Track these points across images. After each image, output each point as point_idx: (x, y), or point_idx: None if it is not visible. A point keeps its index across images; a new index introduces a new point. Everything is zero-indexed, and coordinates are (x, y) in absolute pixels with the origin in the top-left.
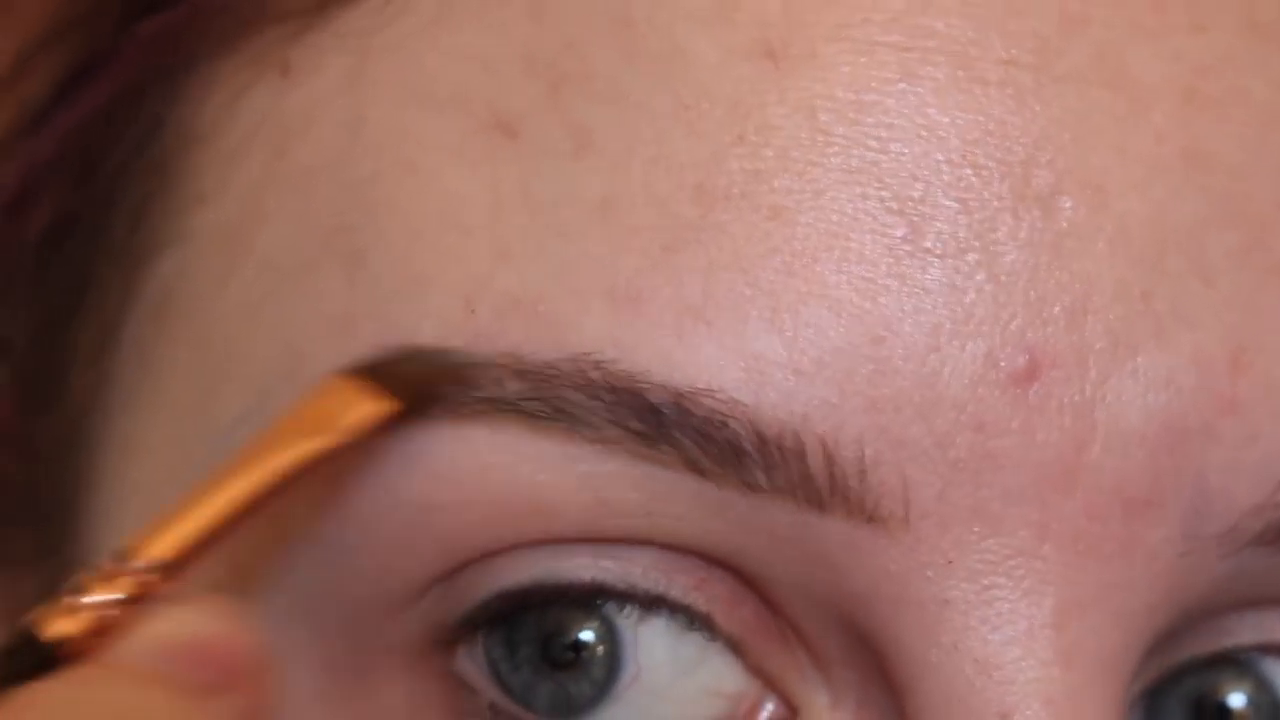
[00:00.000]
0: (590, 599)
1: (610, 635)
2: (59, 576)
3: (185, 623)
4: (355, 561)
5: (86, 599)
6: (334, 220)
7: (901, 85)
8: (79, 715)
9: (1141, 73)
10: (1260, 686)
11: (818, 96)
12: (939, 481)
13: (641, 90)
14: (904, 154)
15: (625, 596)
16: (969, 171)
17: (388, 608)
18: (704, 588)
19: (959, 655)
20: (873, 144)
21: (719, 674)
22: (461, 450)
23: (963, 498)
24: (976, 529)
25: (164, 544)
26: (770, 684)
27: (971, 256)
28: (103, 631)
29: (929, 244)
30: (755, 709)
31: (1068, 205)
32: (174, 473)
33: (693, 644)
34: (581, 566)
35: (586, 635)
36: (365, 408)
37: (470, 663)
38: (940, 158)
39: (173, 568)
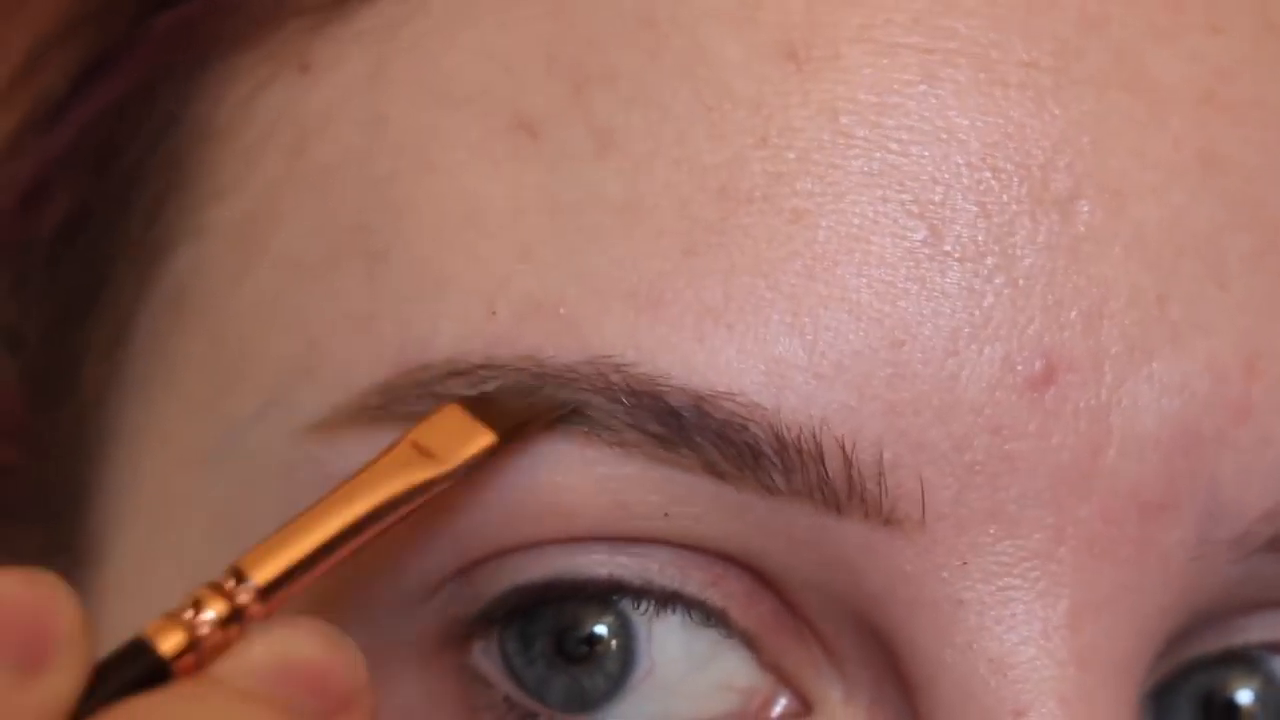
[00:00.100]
0: (606, 594)
1: (625, 630)
2: (69, 572)
3: (295, 644)
4: (374, 562)
5: (201, 615)
6: (354, 219)
7: (923, 87)
8: None
9: (1160, 75)
10: (1268, 683)
11: (840, 99)
12: (955, 484)
13: (664, 91)
14: (924, 157)
15: (641, 592)
16: (988, 175)
17: (404, 604)
18: (720, 584)
19: (974, 654)
20: (894, 147)
21: (732, 669)
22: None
23: (979, 500)
24: (992, 531)
25: (277, 565)
26: (784, 680)
27: (990, 260)
28: (216, 647)
29: (948, 247)
30: (768, 704)
31: (1085, 209)
32: (186, 466)
33: (707, 639)
34: (598, 563)
35: (601, 629)
36: (475, 440)
37: (485, 657)
38: (960, 161)
39: (282, 588)
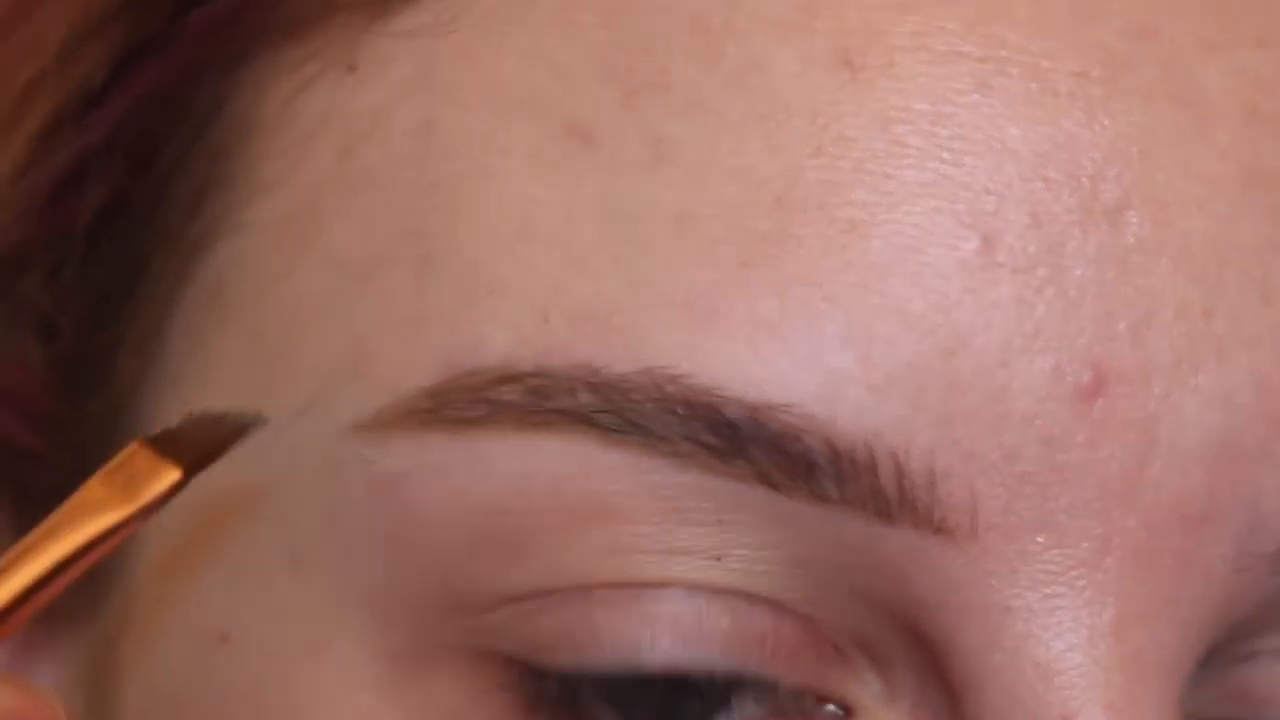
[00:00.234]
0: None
1: None
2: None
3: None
4: (423, 562)
5: None
6: (403, 222)
7: (975, 96)
8: None
9: (1206, 87)
10: None
11: (894, 108)
12: (1005, 494)
13: (719, 100)
14: (977, 167)
15: (703, 686)
16: (1040, 185)
17: (455, 608)
18: (770, 641)
19: (1021, 660)
20: (947, 157)
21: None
22: (532, 460)
23: (1028, 510)
24: (1040, 539)
25: None
26: (822, 698)
27: (1041, 271)
28: None
29: (1000, 258)
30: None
31: (1134, 220)
32: (221, 460)
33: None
34: (661, 651)
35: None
36: (162, 477)
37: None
38: (1013, 171)
39: None
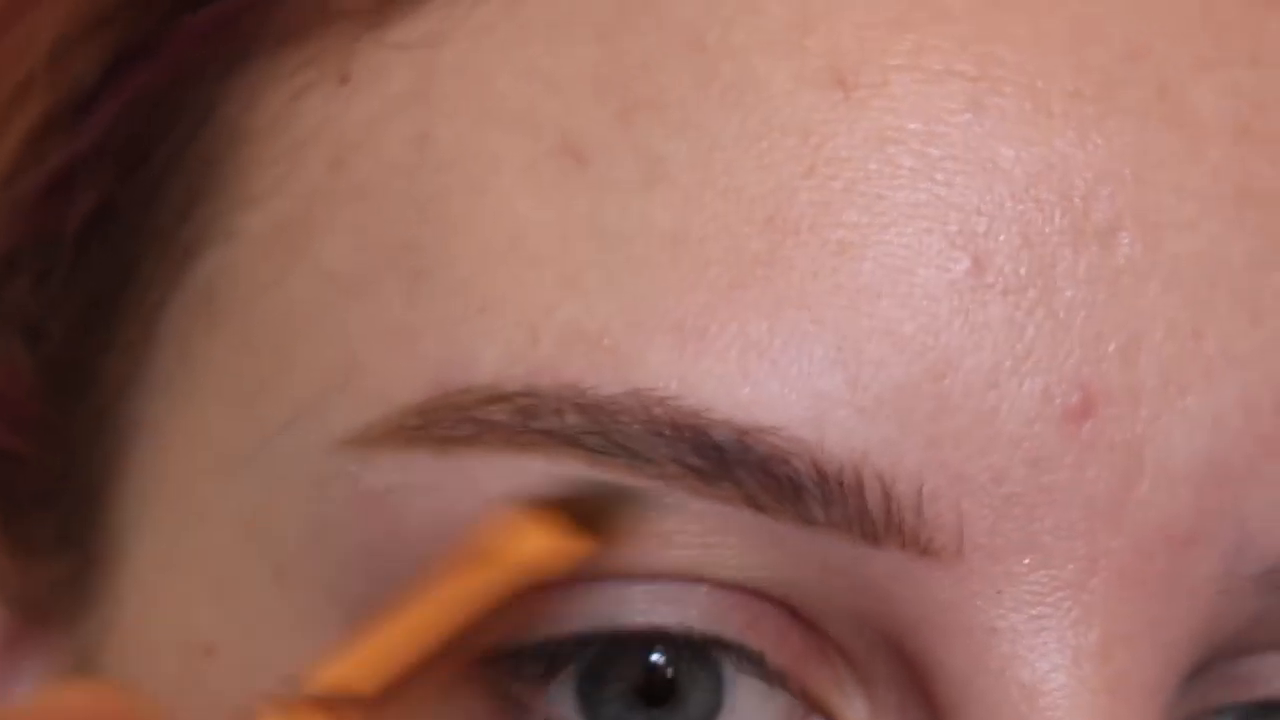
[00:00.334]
0: (646, 644)
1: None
2: (79, 566)
3: None
4: (407, 578)
5: None
6: (395, 235)
7: (968, 116)
8: None
9: (1199, 107)
10: None
11: (887, 127)
12: (992, 515)
13: (713, 118)
14: (969, 187)
15: (681, 640)
16: (1031, 206)
17: None
18: (756, 625)
19: (1006, 681)
20: (939, 177)
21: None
22: (518, 479)
23: (1014, 531)
24: (1027, 561)
25: (338, 673)
26: (812, 704)
27: (1032, 293)
28: None
29: (990, 279)
30: None
31: (1125, 241)
32: (213, 470)
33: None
34: (637, 611)
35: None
36: (543, 542)
37: (520, 683)
38: (1004, 191)
39: (348, 698)
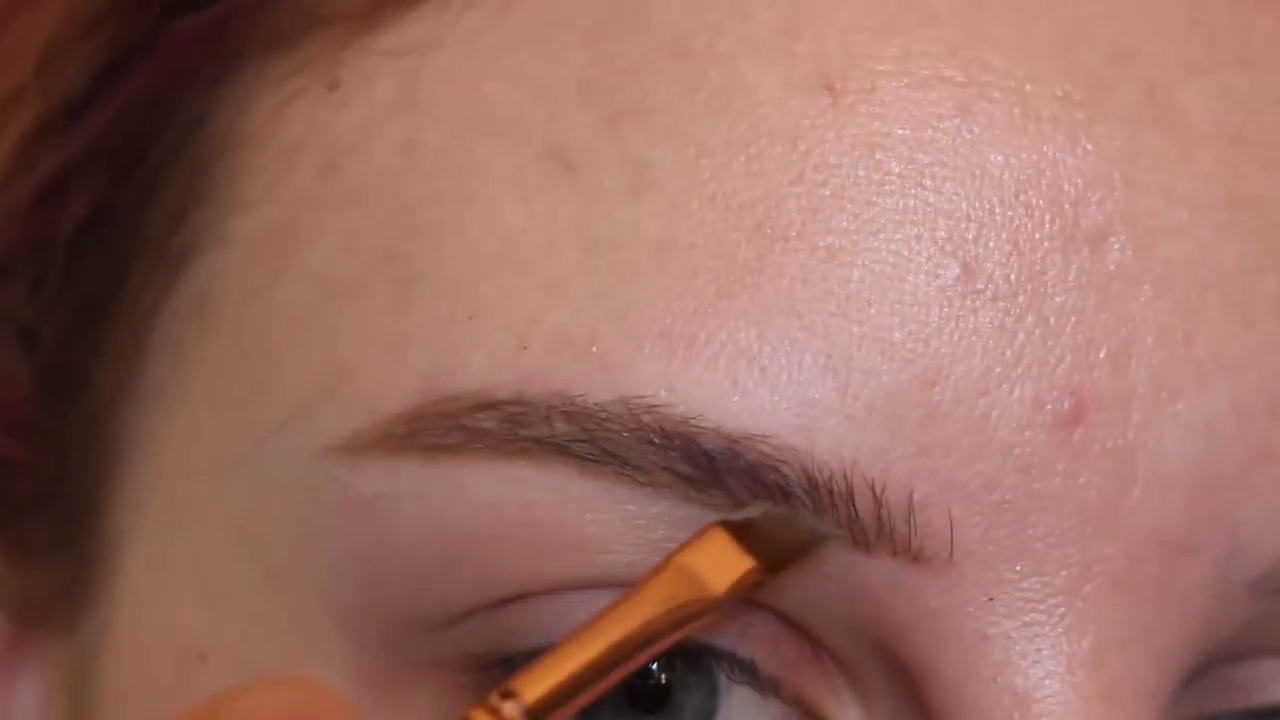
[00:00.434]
0: None
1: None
2: (75, 569)
3: None
4: (396, 584)
5: None
6: (384, 242)
7: (957, 122)
8: None
9: (1189, 110)
10: None
11: (876, 134)
12: (983, 522)
13: (701, 126)
14: (958, 194)
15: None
16: (1021, 212)
17: (426, 628)
18: (747, 633)
19: (998, 688)
20: (928, 183)
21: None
22: (507, 487)
23: (1006, 538)
24: (1019, 568)
25: (549, 685)
26: (805, 710)
27: (1022, 299)
28: None
29: (980, 285)
30: None
31: (1116, 246)
32: (206, 475)
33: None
34: None
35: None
36: (738, 568)
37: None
38: (994, 197)
39: (554, 710)
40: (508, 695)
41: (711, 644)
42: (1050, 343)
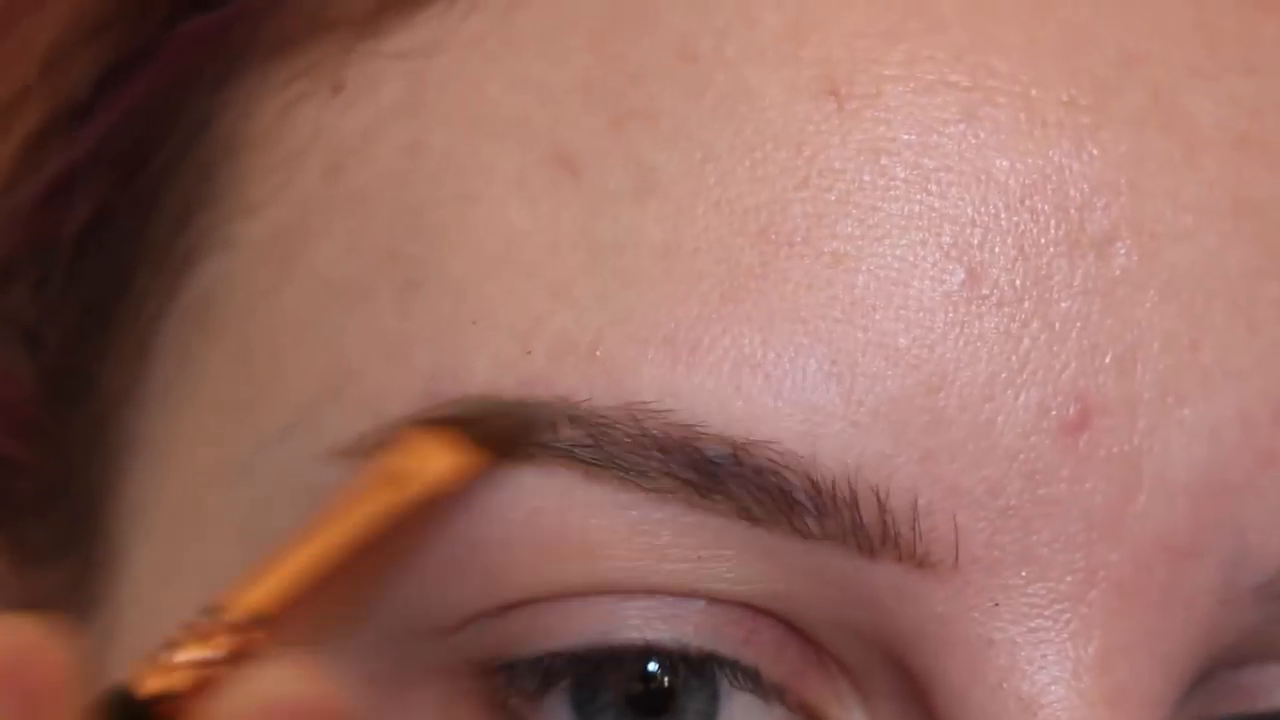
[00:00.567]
0: (641, 659)
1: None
2: (79, 573)
3: (282, 682)
4: (401, 589)
5: (181, 655)
6: (389, 245)
7: (962, 127)
8: None
9: (1195, 115)
10: None
11: (881, 139)
12: (988, 528)
13: (706, 130)
14: (963, 199)
15: (676, 655)
16: (1027, 217)
17: (431, 632)
18: (752, 640)
19: (1004, 694)
20: (933, 188)
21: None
22: (511, 492)
23: (1011, 543)
24: (1024, 573)
25: (255, 599)
26: (809, 715)
27: (1027, 304)
28: (198, 689)
29: (986, 291)
30: None
31: (1122, 251)
32: (211, 478)
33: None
34: (631, 627)
35: (636, 688)
36: (446, 460)
37: (516, 697)
38: (999, 202)
39: (266, 623)
40: (216, 613)
41: (715, 651)
42: (1055, 348)
